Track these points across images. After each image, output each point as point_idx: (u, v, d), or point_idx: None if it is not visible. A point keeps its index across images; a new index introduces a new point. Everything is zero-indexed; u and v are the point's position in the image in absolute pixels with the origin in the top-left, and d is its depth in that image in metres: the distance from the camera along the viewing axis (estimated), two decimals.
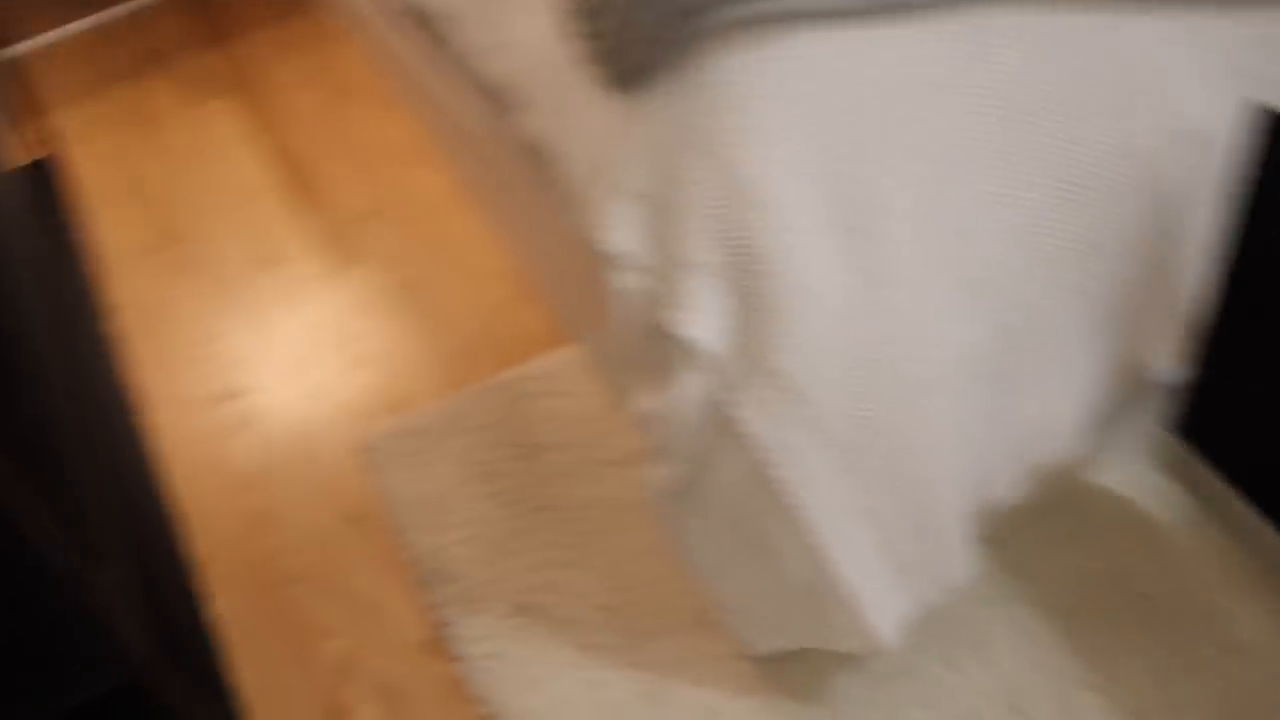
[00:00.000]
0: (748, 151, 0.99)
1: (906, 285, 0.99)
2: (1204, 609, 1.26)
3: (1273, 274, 1.01)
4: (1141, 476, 1.37)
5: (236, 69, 2.18)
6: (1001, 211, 1.01)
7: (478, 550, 1.45)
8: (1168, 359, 1.14)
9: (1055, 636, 1.27)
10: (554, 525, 1.47)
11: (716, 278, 1.04)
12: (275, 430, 1.61)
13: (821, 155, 1.00)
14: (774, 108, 0.99)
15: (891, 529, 1.08)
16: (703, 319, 1.05)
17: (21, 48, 2.27)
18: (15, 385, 1.21)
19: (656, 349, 1.08)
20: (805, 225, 1.01)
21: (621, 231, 1.09)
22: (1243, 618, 1.26)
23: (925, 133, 0.99)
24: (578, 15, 1.06)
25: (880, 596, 1.10)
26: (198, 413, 1.64)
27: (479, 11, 1.24)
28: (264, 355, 1.70)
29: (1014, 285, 1.03)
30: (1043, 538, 1.34)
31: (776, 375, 1.00)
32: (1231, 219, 1.03)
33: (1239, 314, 1.07)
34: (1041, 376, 1.09)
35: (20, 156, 2.06)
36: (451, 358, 1.66)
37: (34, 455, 1.15)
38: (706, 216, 1.03)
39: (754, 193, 1.00)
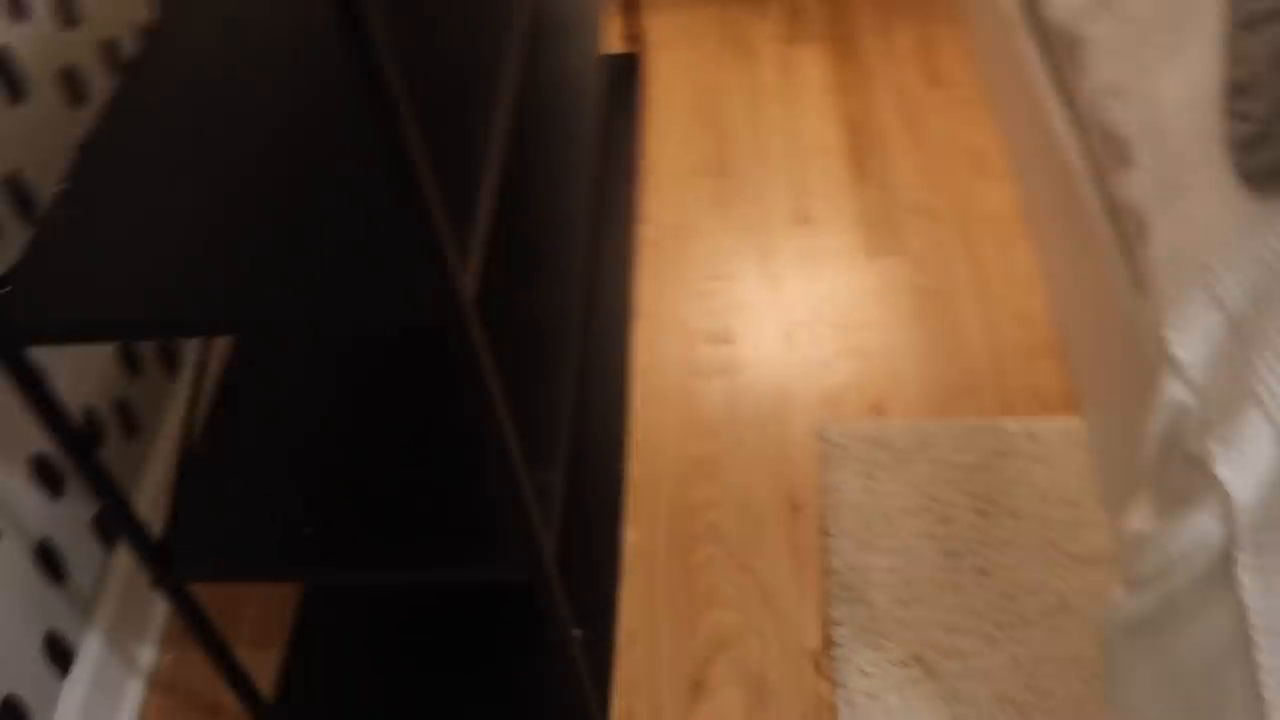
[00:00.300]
0: None
1: None
2: None
3: None
4: None
5: (837, 20, 2.23)
6: None
7: (899, 585, 1.43)
8: None
9: None
10: (988, 594, 1.41)
11: (1276, 427, 0.94)
12: (748, 387, 1.66)
13: None
14: None
15: None
16: (1245, 465, 0.95)
17: None
18: (544, 273, 1.33)
19: (1180, 474, 0.99)
20: None
21: (1193, 339, 1.01)
22: None
23: None
24: (1229, 88, 0.98)
25: None
26: (683, 345, 1.72)
27: (1126, 48, 1.17)
28: (764, 311, 1.75)
29: None
30: None
31: None
32: None
33: None
34: None
35: (608, 47, 2.24)
36: (947, 382, 1.63)
37: (533, 345, 1.27)
38: None
39: None
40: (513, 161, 1.47)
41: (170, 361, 1.58)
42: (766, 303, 1.77)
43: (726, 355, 1.71)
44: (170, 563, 1.15)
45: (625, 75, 2.16)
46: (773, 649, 1.40)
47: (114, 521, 1.09)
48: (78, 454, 1.02)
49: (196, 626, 1.23)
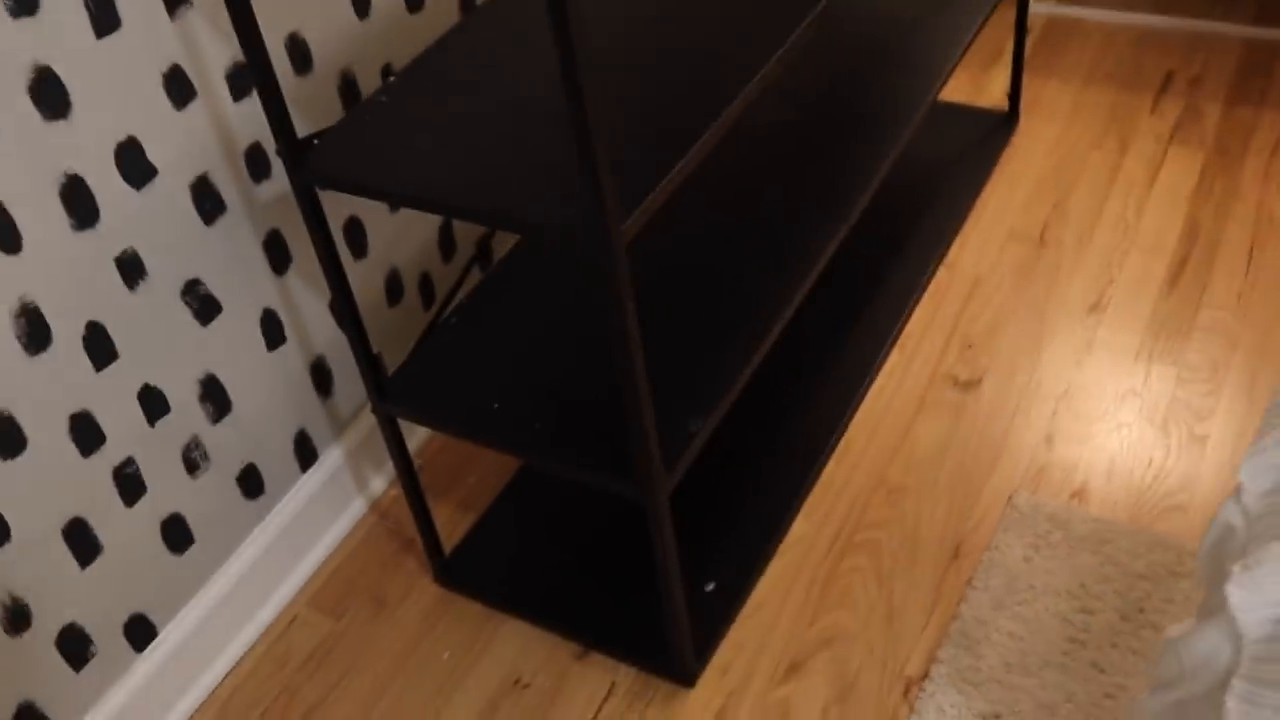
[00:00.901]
0: None
1: None
2: None
3: None
4: None
5: (1230, 133, 2.35)
6: None
7: (1012, 650, 1.62)
8: None
9: None
10: (1091, 687, 1.58)
11: None
12: (968, 437, 1.88)
13: None
14: None
15: None
16: (1258, 593, 1.12)
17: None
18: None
19: (1214, 591, 1.16)
20: None
21: (1260, 468, 1.18)
22: None
23: None
24: None
25: None
26: (925, 380, 1.97)
27: None
28: (1016, 375, 1.96)
29: None
30: None
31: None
32: None
33: None
34: None
35: (988, 102, 2.49)
36: (1162, 493, 1.78)
37: (741, 310, 1.59)
38: None
39: None
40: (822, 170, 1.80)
41: (485, 254, 2.04)
42: (1023, 369, 1.97)
43: (961, 402, 1.94)
44: (385, 395, 1.58)
45: (993, 131, 2.41)
46: (874, 661, 1.64)
47: (357, 351, 1.54)
48: (338, 288, 1.47)
49: (400, 460, 1.66)
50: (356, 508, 1.92)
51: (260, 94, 1.34)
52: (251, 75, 1.35)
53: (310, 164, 1.38)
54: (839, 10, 2.13)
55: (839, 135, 1.84)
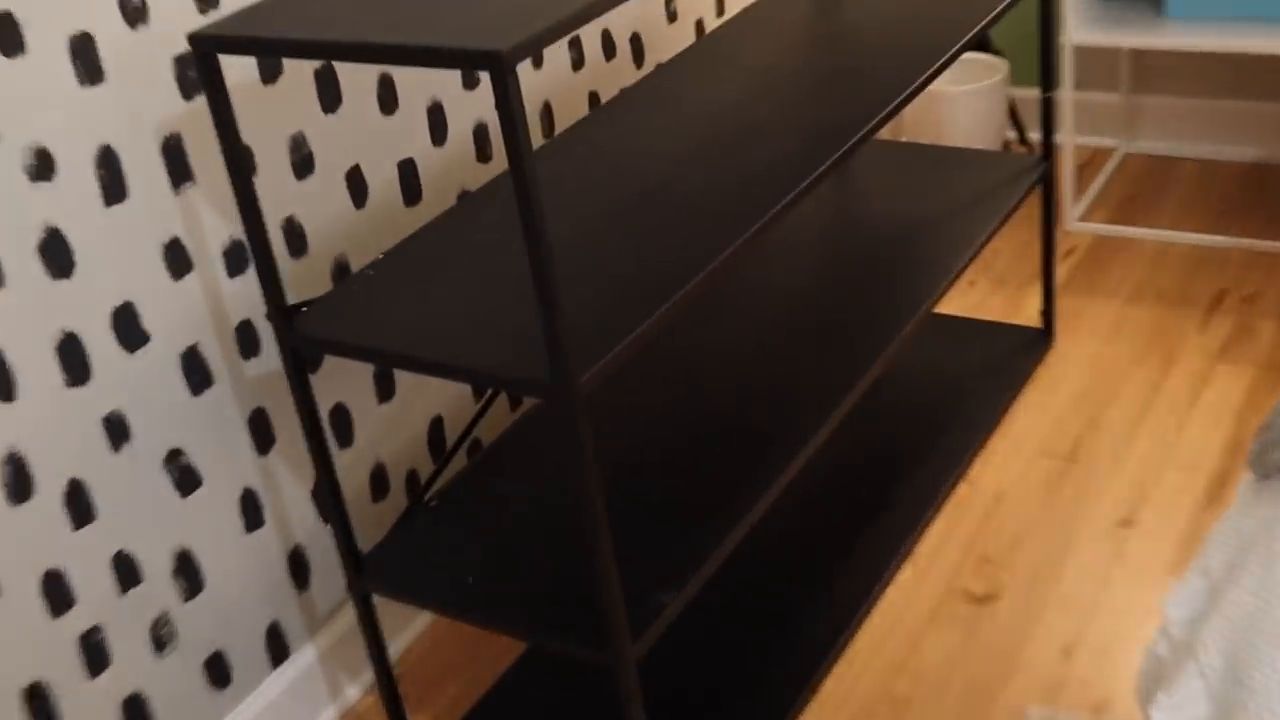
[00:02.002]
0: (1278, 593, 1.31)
1: None
2: None
3: None
4: None
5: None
6: None
7: None
8: None
9: None
10: None
11: (1205, 682, 1.38)
12: (980, 651, 2.16)
13: None
14: None
15: None
16: (1176, 716, 1.40)
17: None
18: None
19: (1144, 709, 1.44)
20: None
21: (1181, 601, 1.48)
22: None
23: None
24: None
25: None
26: (938, 594, 2.26)
27: None
28: (1036, 590, 2.25)
29: None
30: None
31: None
32: None
33: None
34: None
35: (1030, 318, 2.86)
36: None
37: (723, 495, 1.92)
38: (1229, 622, 1.38)
39: (1272, 626, 1.33)
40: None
41: (472, 448, 2.39)
42: (1040, 583, 2.26)
43: (975, 615, 2.22)
44: (362, 571, 1.91)
45: (1026, 348, 2.77)
46: None
47: (335, 521, 1.88)
48: (319, 456, 1.82)
49: (377, 653, 1.97)
50: (328, 715, 2.21)
51: (255, 259, 1.73)
52: (249, 243, 1.74)
53: (298, 328, 1.76)
54: (847, 211, 2.52)
55: (837, 327, 2.20)
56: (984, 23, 2.33)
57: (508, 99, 1.40)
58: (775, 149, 1.99)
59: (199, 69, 1.62)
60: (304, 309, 1.80)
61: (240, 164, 1.67)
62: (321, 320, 1.77)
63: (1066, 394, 2.68)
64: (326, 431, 2.14)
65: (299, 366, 1.79)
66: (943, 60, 2.21)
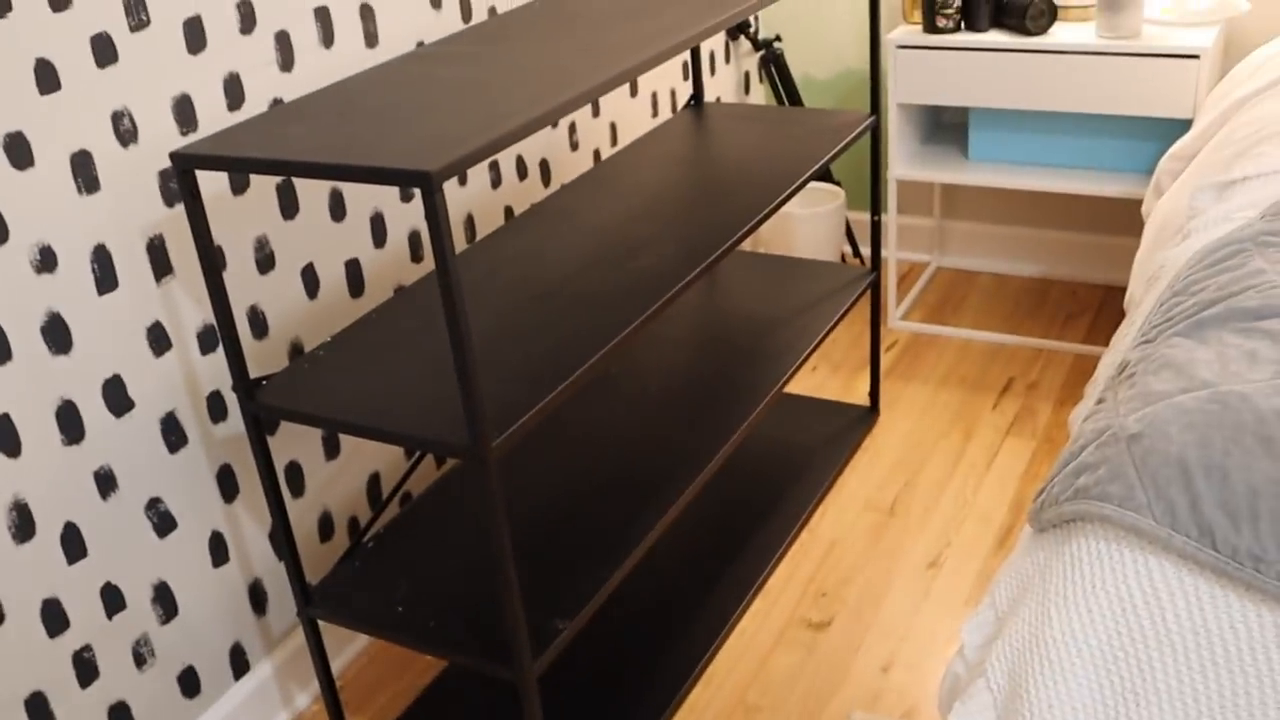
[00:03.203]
0: (1050, 621, 1.33)
1: None
2: None
3: None
4: None
5: (1058, 428, 2.74)
6: None
7: None
8: None
9: None
10: None
11: (992, 695, 1.39)
12: (817, 669, 2.16)
13: (1105, 660, 1.30)
14: (1076, 600, 1.31)
15: None
16: None
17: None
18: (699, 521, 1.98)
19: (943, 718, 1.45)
20: (1074, 697, 1.32)
21: (975, 628, 1.49)
22: None
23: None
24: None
25: None
26: (784, 621, 2.27)
27: None
28: (862, 621, 2.26)
29: None
30: None
31: None
32: None
33: None
34: None
35: (860, 397, 2.89)
36: None
37: (609, 540, 1.91)
38: (1010, 646, 1.39)
39: (1044, 651, 1.34)
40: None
41: (404, 499, 2.36)
42: (865, 612, 2.27)
43: (812, 639, 2.22)
44: (310, 601, 1.87)
45: (857, 422, 2.80)
46: None
47: (286, 558, 1.84)
48: (274, 502, 1.79)
49: (321, 666, 1.94)
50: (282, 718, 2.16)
51: (223, 341, 1.70)
52: (218, 327, 1.72)
53: (258, 398, 1.73)
54: (713, 309, 2.55)
55: (705, 403, 2.22)
56: (826, 159, 2.37)
57: (435, 211, 1.41)
58: (657, 256, 2.01)
59: (179, 182, 1.60)
60: (264, 382, 1.77)
61: (212, 261, 1.65)
62: (278, 392, 1.75)
63: (888, 459, 2.71)
64: (282, 484, 2.10)
65: (259, 431, 1.76)
66: (793, 188, 2.25)
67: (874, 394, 2.83)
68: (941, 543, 2.44)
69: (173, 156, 1.59)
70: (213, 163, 1.56)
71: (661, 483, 2.02)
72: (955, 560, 2.39)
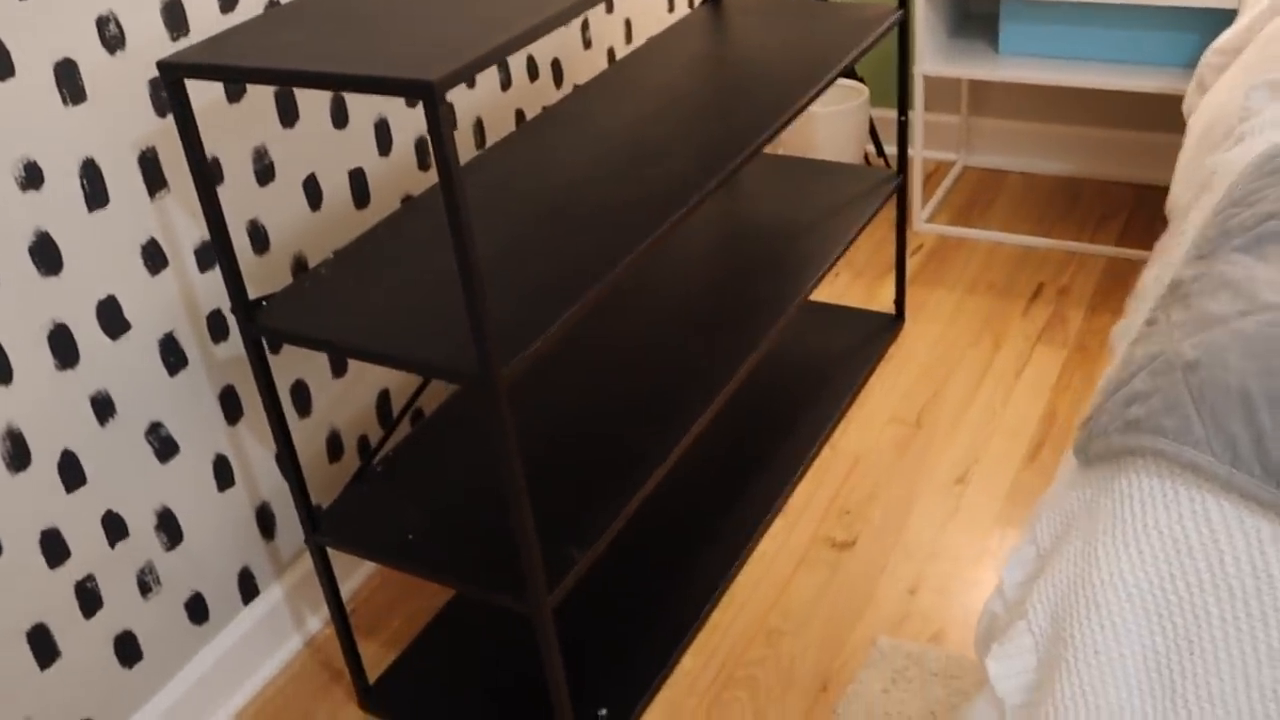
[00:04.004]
0: (1097, 561, 1.25)
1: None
2: None
3: None
4: None
5: (1090, 334, 2.64)
6: None
7: None
8: None
9: None
10: None
11: (1033, 638, 1.32)
12: (840, 589, 2.10)
13: (1156, 605, 1.22)
14: (1127, 540, 1.23)
15: None
16: (1010, 665, 1.34)
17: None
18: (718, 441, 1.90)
19: (980, 658, 1.38)
20: (1123, 644, 1.25)
21: (1015, 566, 1.41)
22: None
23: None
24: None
25: None
26: (806, 541, 2.20)
27: None
28: (885, 539, 2.19)
29: None
30: None
31: None
32: None
33: None
34: None
35: (876, 305, 2.79)
36: None
37: (623, 464, 1.83)
38: (1054, 587, 1.31)
39: (1091, 594, 1.26)
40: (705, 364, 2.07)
41: (416, 416, 2.29)
42: (890, 532, 2.20)
43: (836, 560, 2.16)
44: (317, 528, 1.81)
45: (882, 330, 2.70)
46: None
47: (294, 486, 1.77)
48: (279, 430, 1.71)
49: (331, 592, 1.87)
50: (293, 643, 2.11)
51: (220, 261, 1.61)
52: (214, 246, 1.63)
53: (258, 320, 1.65)
54: (732, 216, 2.44)
55: (725, 317, 2.12)
56: (850, 58, 2.25)
57: (438, 124, 1.30)
58: (673, 165, 1.90)
59: (168, 93, 1.50)
60: (264, 303, 1.69)
61: (206, 177, 1.56)
62: (279, 314, 1.66)
63: (914, 370, 2.62)
64: (287, 404, 2.03)
65: (260, 354, 1.68)
66: (816, 90, 2.13)
67: (899, 301, 2.74)
68: (969, 457, 2.36)
69: (160, 66, 1.48)
70: (202, 71, 1.46)
71: (679, 402, 1.94)
72: (983, 476, 2.31)
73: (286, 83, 1.40)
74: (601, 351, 2.08)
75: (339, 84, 1.36)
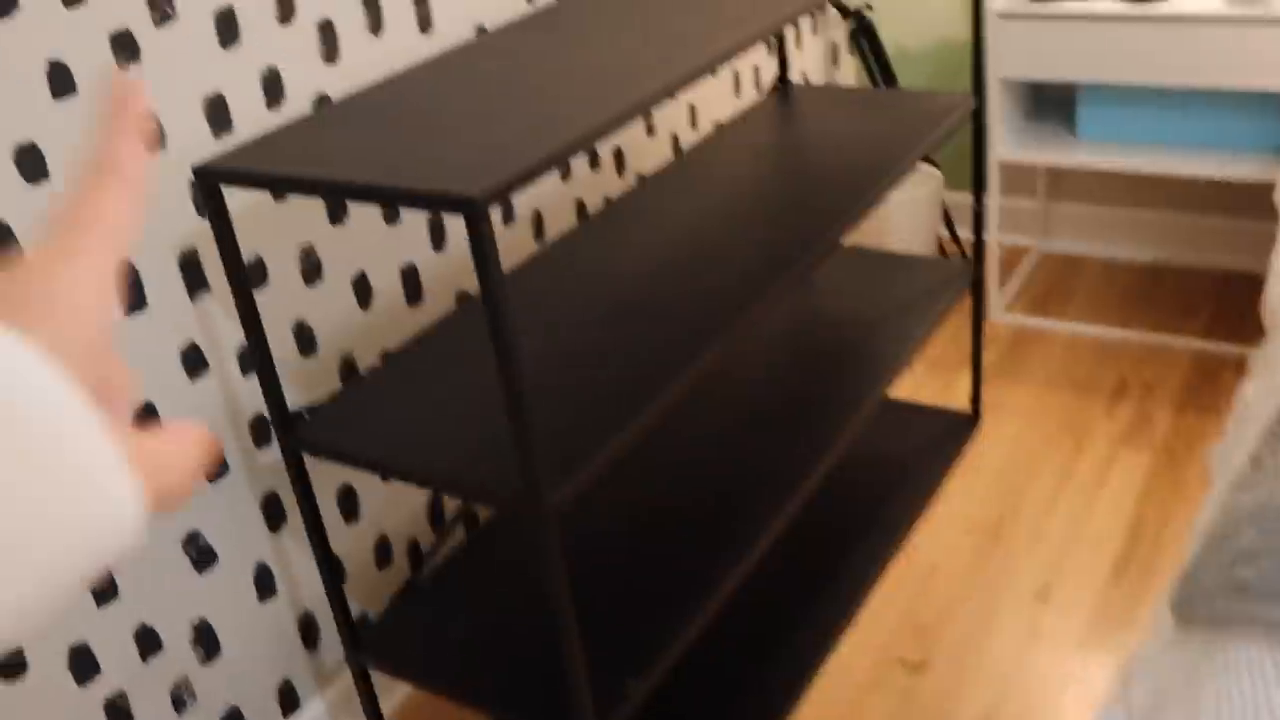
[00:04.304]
0: None
1: None
2: None
3: None
4: None
5: (1179, 436, 2.49)
6: None
7: None
8: None
9: None
10: None
11: None
12: (910, 714, 1.96)
13: None
14: None
15: None
16: None
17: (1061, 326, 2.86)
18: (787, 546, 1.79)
19: None
20: None
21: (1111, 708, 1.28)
22: None
23: None
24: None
25: None
26: (876, 659, 2.07)
27: None
28: (958, 658, 2.05)
29: None
30: None
31: None
32: None
33: None
34: None
35: (952, 403, 2.66)
36: None
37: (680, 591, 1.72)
38: None
39: None
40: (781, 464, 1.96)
41: (471, 522, 2.20)
42: (966, 652, 2.07)
43: (908, 684, 2.02)
44: (359, 647, 1.71)
45: (957, 430, 2.57)
46: None
47: (335, 607, 1.68)
48: (320, 548, 1.62)
49: (370, 709, 1.77)
50: None
51: (259, 374, 1.53)
52: (253, 357, 1.55)
53: (299, 433, 1.56)
54: (801, 312, 2.34)
55: (793, 420, 2.01)
56: (925, 147, 2.15)
57: (481, 239, 1.22)
58: (743, 262, 1.81)
59: (204, 197, 1.43)
60: (305, 415, 1.60)
61: (243, 285, 1.48)
62: (320, 427, 1.58)
63: (991, 473, 2.49)
64: (334, 511, 1.94)
65: (300, 470, 1.59)
66: (891, 181, 2.03)
67: (975, 399, 2.61)
68: (1050, 571, 2.22)
69: (196, 172, 1.41)
70: (239, 178, 1.39)
71: (744, 513, 1.83)
72: (1065, 592, 2.17)
73: (324, 194, 1.32)
74: (661, 456, 1.98)
75: (378, 197, 1.28)
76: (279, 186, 1.35)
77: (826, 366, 2.17)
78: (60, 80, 1.46)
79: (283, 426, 1.56)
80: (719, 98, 2.82)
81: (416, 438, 1.51)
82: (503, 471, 1.42)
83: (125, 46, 1.52)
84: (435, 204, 1.23)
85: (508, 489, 1.39)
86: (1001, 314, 3.00)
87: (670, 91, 1.46)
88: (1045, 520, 2.34)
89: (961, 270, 2.46)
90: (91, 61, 1.49)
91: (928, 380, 2.82)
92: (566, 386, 1.57)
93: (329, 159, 1.37)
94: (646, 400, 1.51)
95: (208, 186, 1.42)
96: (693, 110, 2.72)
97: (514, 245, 2.22)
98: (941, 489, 2.46)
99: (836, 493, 2.45)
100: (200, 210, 1.65)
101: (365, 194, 1.28)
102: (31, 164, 1.44)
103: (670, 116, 2.65)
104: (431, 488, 1.44)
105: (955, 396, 2.75)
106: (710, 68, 1.53)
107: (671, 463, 1.96)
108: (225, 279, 1.69)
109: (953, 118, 2.26)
